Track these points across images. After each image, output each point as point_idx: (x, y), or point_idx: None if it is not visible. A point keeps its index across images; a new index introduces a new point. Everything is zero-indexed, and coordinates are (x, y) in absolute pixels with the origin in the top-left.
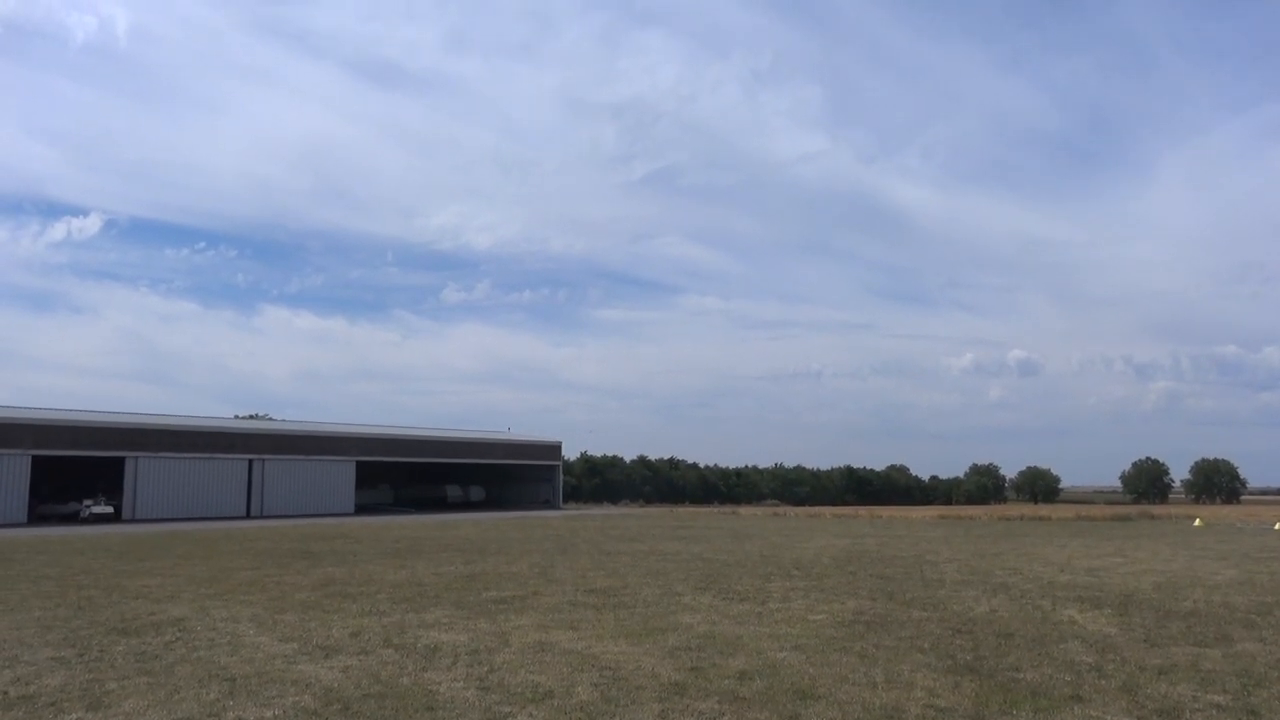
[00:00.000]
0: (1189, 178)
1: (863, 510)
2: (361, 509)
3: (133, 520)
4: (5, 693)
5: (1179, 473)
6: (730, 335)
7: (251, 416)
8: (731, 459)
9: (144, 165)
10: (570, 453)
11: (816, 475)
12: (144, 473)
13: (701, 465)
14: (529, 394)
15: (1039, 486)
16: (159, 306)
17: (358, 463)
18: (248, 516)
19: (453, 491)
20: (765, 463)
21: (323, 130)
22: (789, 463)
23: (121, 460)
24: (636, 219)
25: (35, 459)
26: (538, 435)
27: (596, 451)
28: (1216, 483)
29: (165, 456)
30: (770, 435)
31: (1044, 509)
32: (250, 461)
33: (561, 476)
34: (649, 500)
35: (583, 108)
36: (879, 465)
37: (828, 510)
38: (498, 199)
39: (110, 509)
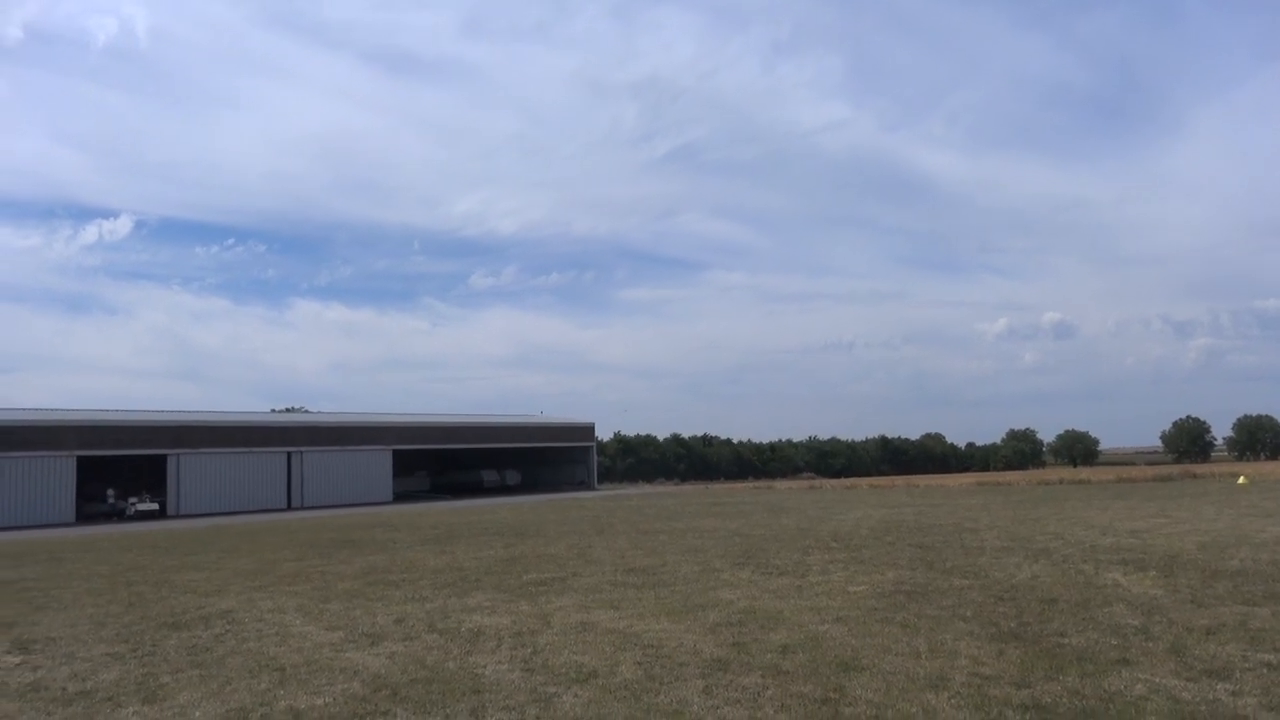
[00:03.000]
0: (1222, 130)
1: (899, 480)
2: (399, 497)
3: (177, 516)
4: (64, 689)
5: (1221, 430)
6: (759, 310)
7: (287, 410)
8: (765, 434)
9: (170, 165)
10: (603, 433)
11: (852, 447)
12: (186, 469)
13: (735, 441)
14: (559, 376)
15: (1078, 450)
16: (192, 304)
17: (394, 451)
18: (288, 508)
19: (489, 476)
20: (799, 436)
21: (343, 122)
22: (823, 435)
23: (164, 458)
24: (660, 197)
25: (80, 459)
26: (570, 417)
27: (630, 431)
28: (1260, 439)
29: (206, 452)
30: (803, 409)
31: (1083, 472)
32: (289, 454)
33: (595, 457)
34: (684, 478)
35: (601, 88)
36: (914, 434)
37: (864, 481)
38: (520, 183)
39: (155, 506)
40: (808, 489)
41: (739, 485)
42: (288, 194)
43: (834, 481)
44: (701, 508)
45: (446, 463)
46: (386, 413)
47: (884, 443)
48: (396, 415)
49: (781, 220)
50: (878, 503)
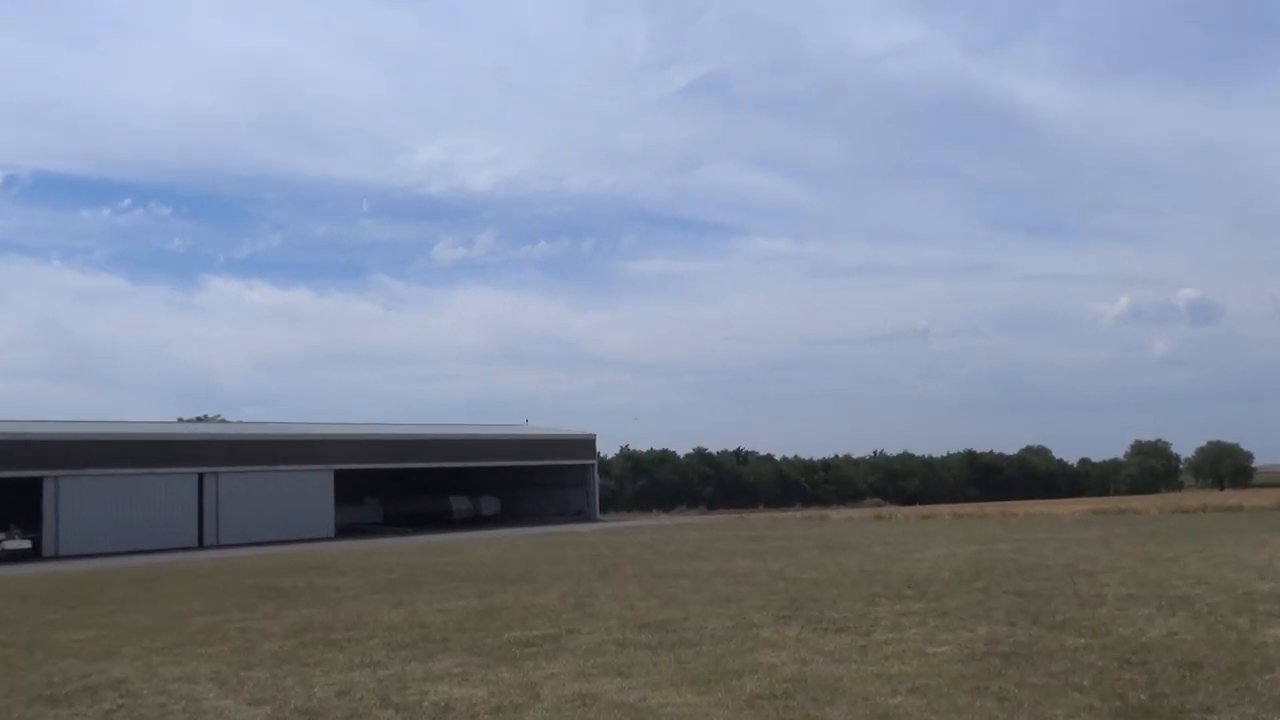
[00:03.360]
0: None
1: (991, 507)
2: (344, 531)
3: (56, 557)
4: None
5: None
6: (807, 287)
7: (200, 419)
8: (817, 447)
9: (46, 104)
10: (607, 448)
11: (928, 464)
12: (68, 496)
13: (778, 457)
14: (550, 374)
15: (1225, 467)
16: (76, 283)
17: (336, 472)
18: (200, 546)
19: (459, 504)
20: (861, 450)
21: (271, 46)
22: (892, 449)
23: (39, 481)
24: (679, 142)
25: None
26: (565, 428)
27: (641, 445)
28: None
29: (94, 474)
30: (865, 415)
31: (1233, 496)
32: (201, 476)
33: (597, 479)
34: (711, 505)
35: (605, 3)
36: (1010, 447)
37: (945, 509)
38: (500, 126)
39: (27, 544)
40: (872, 519)
41: (783, 514)
42: (199, 140)
43: (906, 509)
44: (735, 544)
45: (405, 487)
46: (328, 423)
47: (970, 459)
48: (340, 426)
49: (836, 171)
50: (964, 537)
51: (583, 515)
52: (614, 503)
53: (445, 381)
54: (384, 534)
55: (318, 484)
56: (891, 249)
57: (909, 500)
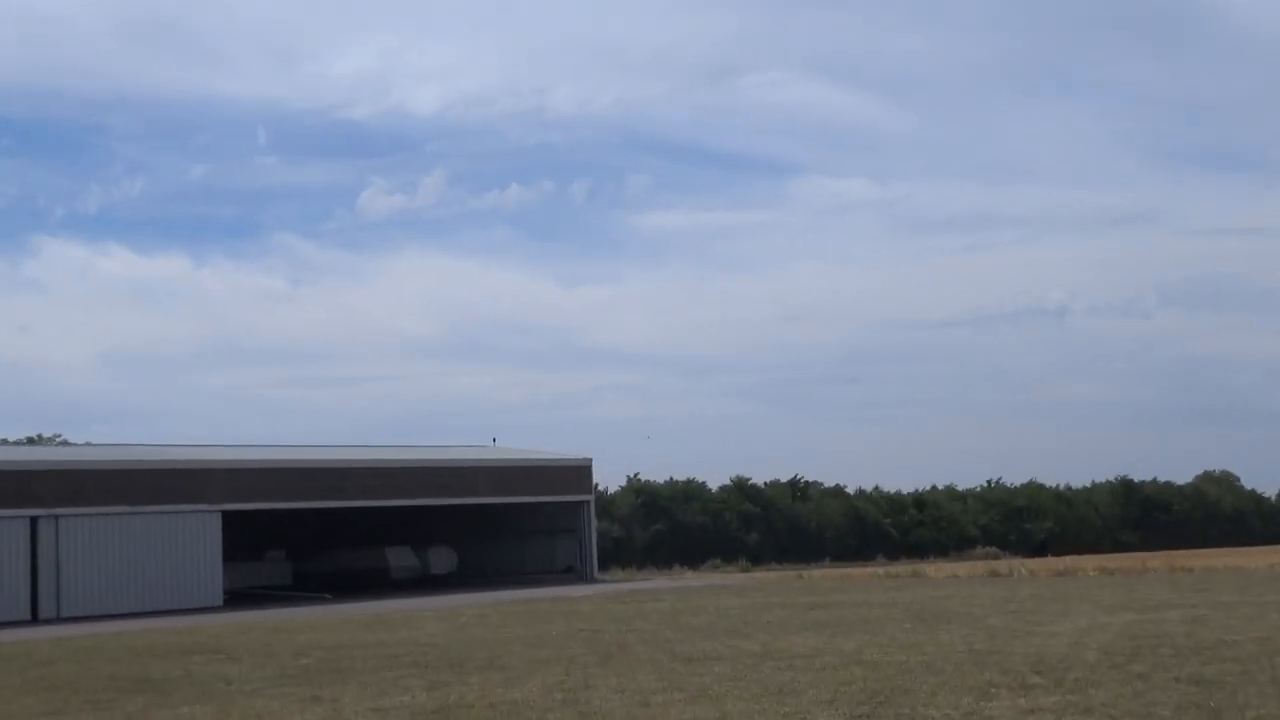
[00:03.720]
0: None
1: (1155, 558)
2: (237, 598)
3: None
4: None
5: None
6: (892, 247)
7: (31, 440)
8: (906, 476)
9: None
10: (609, 478)
11: (1065, 499)
12: None
13: (851, 490)
14: (527, 374)
15: None
16: None
17: (226, 514)
18: (34, 619)
19: (399, 559)
20: (969, 480)
21: None
22: (1013, 477)
23: None
24: (708, 40)
25: None
26: (549, 450)
27: (657, 473)
28: None
29: None
30: (975, 428)
31: None
32: (34, 521)
33: (594, 522)
34: (757, 558)
35: None
36: (1181, 475)
37: (1089, 561)
38: (454, 21)
39: None
40: (986, 577)
41: (859, 571)
42: (31, 46)
43: (1034, 563)
44: (791, 613)
45: (323, 536)
46: (212, 445)
47: (1125, 491)
48: (230, 450)
49: (931, 81)
50: (1116, 602)
51: (574, 574)
52: (619, 556)
53: (378, 384)
54: (293, 602)
55: (199, 531)
56: (1013, 192)
57: (1038, 550)
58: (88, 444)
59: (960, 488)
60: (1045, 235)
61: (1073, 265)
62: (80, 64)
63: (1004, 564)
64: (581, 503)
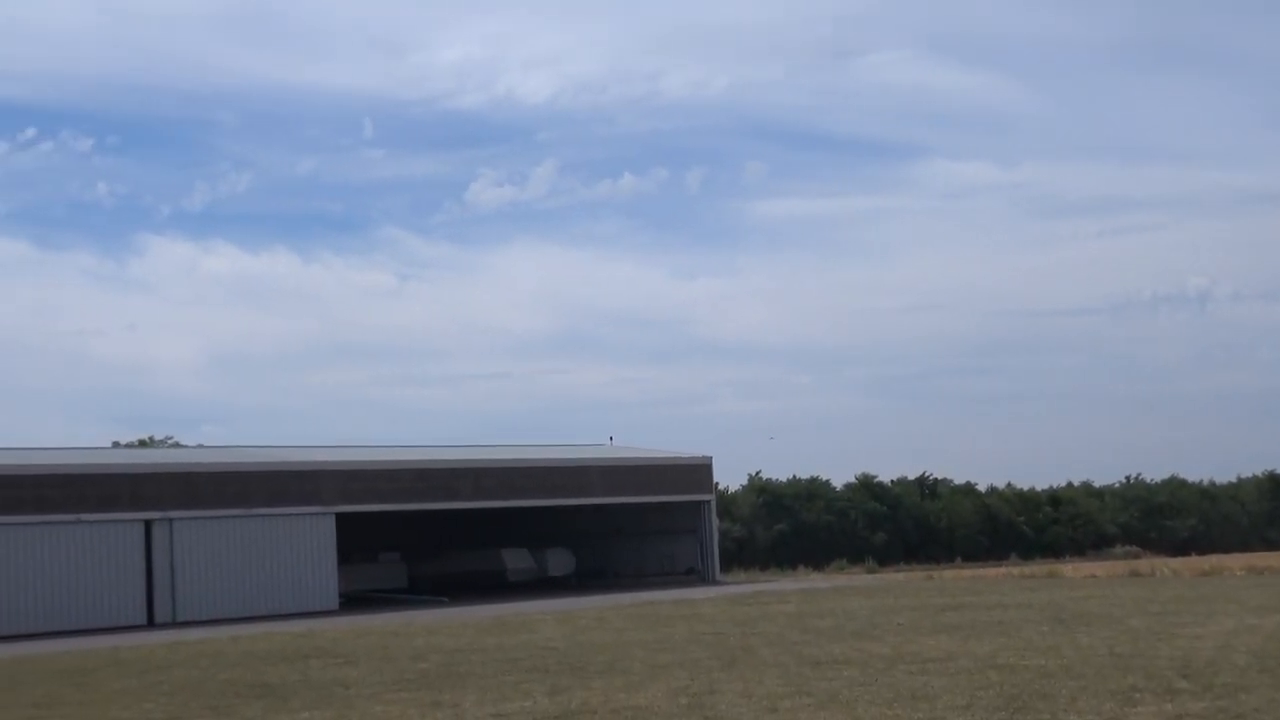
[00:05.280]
0: None
1: None
2: (352, 601)
3: None
4: None
5: None
6: (1022, 232)
7: (143, 443)
8: (1041, 472)
9: None
10: (730, 477)
11: (1210, 495)
12: None
13: (982, 487)
14: (643, 370)
15: None
16: None
17: (339, 516)
18: (150, 624)
19: (515, 561)
20: (1107, 476)
21: None
22: (1154, 473)
23: None
24: (827, 21)
25: None
26: (667, 449)
27: (780, 472)
28: None
29: None
30: (1113, 421)
31: None
32: (148, 525)
33: (715, 522)
34: (885, 559)
35: None
36: None
37: (1237, 561)
38: (562, 5)
39: None
40: (1126, 577)
41: (992, 571)
42: (131, 44)
43: (1177, 562)
44: (922, 616)
45: (437, 537)
46: (325, 446)
47: (1273, 486)
48: (343, 451)
49: (1063, 57)
50: (1265, 603)
51: (695, 575)
52: (741, 557)
53: (487, 382)
54: (409, 605)
55: (313, 534)
56: (1147, 172)
57: (1181, 549)
58: (200, 446)
59: (1097, 484)
60: (1184, 218)
61: (1214, 249)
62: (184, 60)
63: (1145, 563)
64: (702, 502)
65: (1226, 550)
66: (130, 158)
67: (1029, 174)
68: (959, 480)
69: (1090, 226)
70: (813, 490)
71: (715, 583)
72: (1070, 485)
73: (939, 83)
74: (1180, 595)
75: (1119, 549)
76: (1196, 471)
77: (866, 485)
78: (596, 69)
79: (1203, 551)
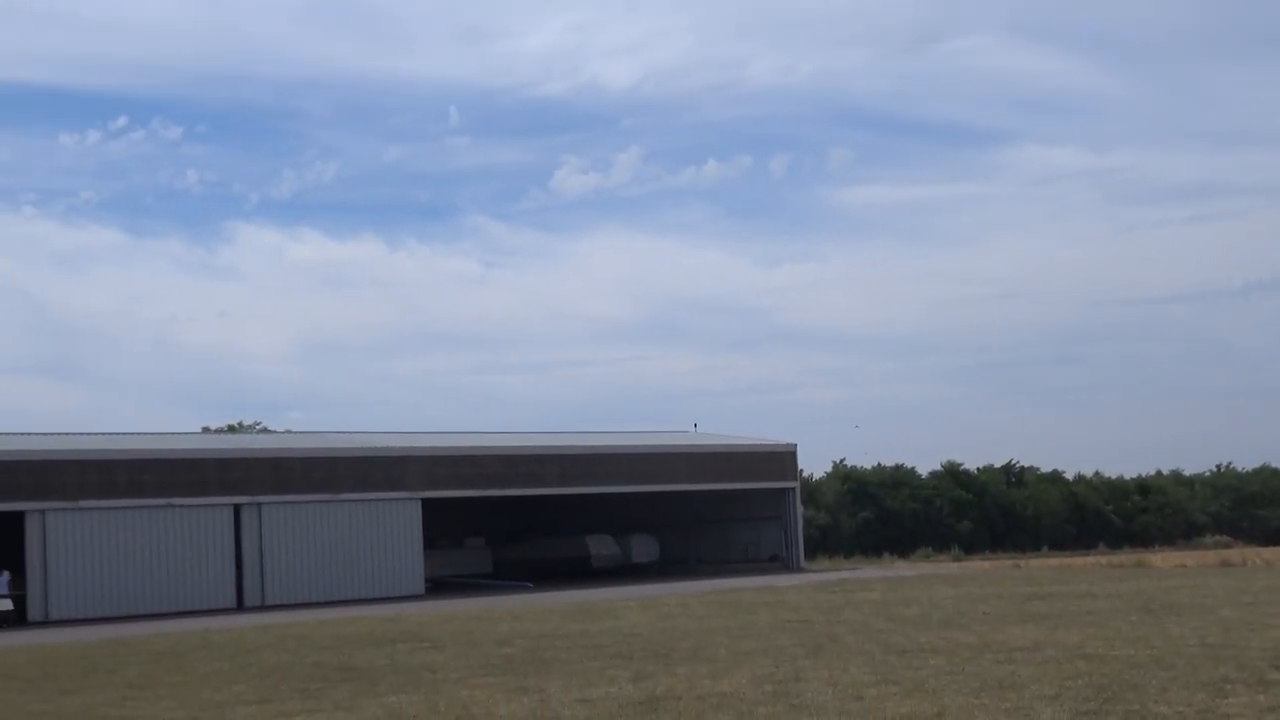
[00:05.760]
0: None
1: None
2: (437, 586)
3: (46, 622)
4: None
5: None
6: (1111, 219)
7: (232, 428)
8: (1129, 460)
9: None
10: (814, 465)
11: None
12: (59, 538)
13: (1070, 476)
14: (727, 357)
15: None
16: (54, 238)
17: (425, 502)
18: (240, 607)
19: (600, 548)
20: (1198, 464)
21: None
22: (1245, 461)
23: (20, 517)
24: (913, 6)
25: None
26: (752, 436)
27: (865, 459)
28: None
29: (91, 507)
30: (1204, 410)
31: None
32: (237, 509)
33: (800, 510)
34: (971, 547)
35: None
36: None
37: None
38: None
39: (8, 604)
40: (1217, 567)
41: (1080, 561)
42: (219, 34)
43: (1269, 552)
44: (1009, 604)
45: (522, 523)
46: (411, 432)
47: None
48: (429, 437)
49: (1153, 42)
50: None
51: (780, 562)
52: (825, 544)
53: (572, 369)
54: (494, 590)
55: (400, 519)
56: (1240, 158)
57: (1273, 539)
58: (288, 432)
59: (1187, 473)
60: (1276, 203)
61: None
62: (271, 49)
63: (1236, 553)
64: (786, 490)
65: None
66: (219, 146)
67: (1118, 160)
68: (1045, 468)
69: (1180, 212)
70: (898, 478)
71: (800, 570)
72: (1159, 474)
73: (1025, 68)
74: (1273, 585)
75: (1209, 538)
76: None
77: (952, 473)
78: (679, 56)
79: None
